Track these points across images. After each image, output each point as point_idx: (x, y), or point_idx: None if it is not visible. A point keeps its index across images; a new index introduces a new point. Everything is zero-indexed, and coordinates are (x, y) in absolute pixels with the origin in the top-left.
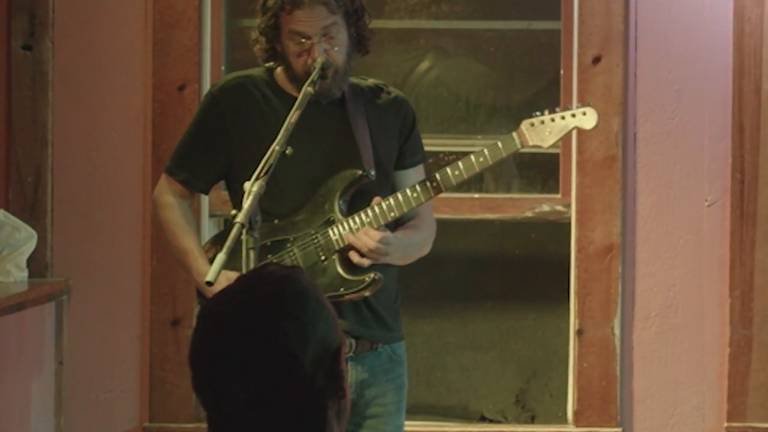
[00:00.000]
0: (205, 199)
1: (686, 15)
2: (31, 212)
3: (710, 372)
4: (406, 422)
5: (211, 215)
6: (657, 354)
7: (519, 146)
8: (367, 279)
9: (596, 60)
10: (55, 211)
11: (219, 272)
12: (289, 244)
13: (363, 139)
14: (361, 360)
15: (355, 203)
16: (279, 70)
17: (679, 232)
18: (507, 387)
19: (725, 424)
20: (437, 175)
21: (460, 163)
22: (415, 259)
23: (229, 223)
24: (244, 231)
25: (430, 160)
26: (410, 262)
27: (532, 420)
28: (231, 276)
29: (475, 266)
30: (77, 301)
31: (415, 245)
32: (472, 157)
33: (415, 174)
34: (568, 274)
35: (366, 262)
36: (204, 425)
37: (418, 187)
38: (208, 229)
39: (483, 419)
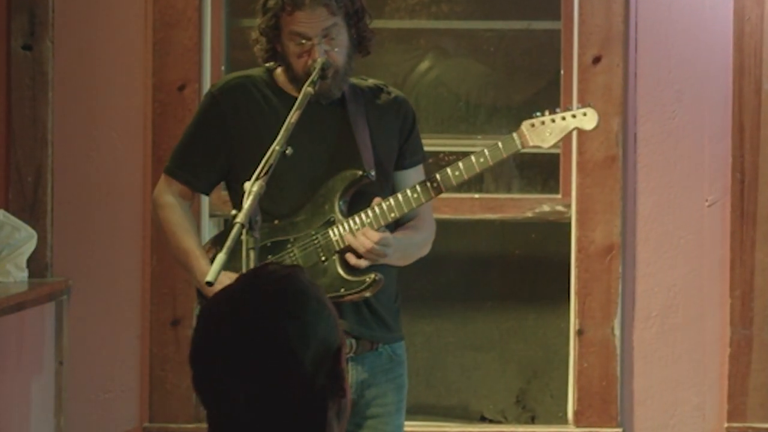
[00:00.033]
0: (205, 199)
1: (686, 15)
2: (31, 212)
3: (710, 372)
4: (406, 422)
5: (211, 215)
6: (657, 354)
7: (519, 147)
8: (367, 280)
9: (596, 60)
10: (55, 211)
11: (219, 272)
12: (289, 245)
13: (363, 139)
14: (361, 360)
15: (356, 204)
16: (279, 70)
17: (679, 232)
18: (507, 387)
19: (725, 425)
20: (437, 176)
21: (460, 164)
22: (415, 260)
23: (229, 223)
24: (244, 231)
25: (430, 161)
26: (410, 263)
27: (532, 420)
28: (232, 277)
29: (476, 266)
30: (77, 301)
31: (414, 246)
32: (473, 158)
33: (415, 174)
34: (569, 274)
35: (363, 263)
36: (204, 425)
37: (418, 188)
38: (208, 229)
39: (483, 419)
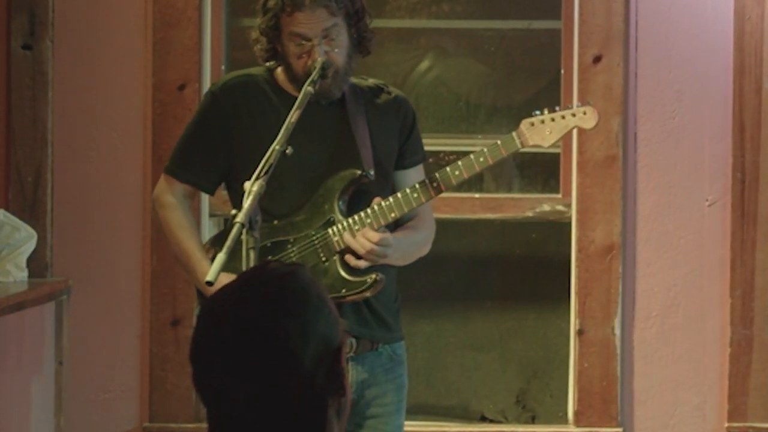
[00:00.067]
0: (205, 199)
1: (687, 14)
2: (30, 212)
3: (711, 372)
4: (407, 422)
5: (211, 215)
6: (658, 354)
7: (519, 146)
8: (368, 280)
9: (597, 59)
10: (55, 211)
11: (219, 272)
12: (289, 245)
13: (363, 139)
14: (361, 360)
15: (356, 203)
16: (279, 69)
17: (679, 232)
18: (507, 387)
19: (726, 425)
20: (437, 175)
21: (460, 163)
22: (415, 260)
23: (229, 223)
24: (244, 231)
25: (430, 160)
26: (410, 263)
27: (532, 420)
28: (232, 277)
29: (476, 266)
30: (77, 301)
31: (414, 245)
32: (472, 157)
33: (415, 174)
34: (569, 274)
35: (363, 264)
36: (204, 425)
37: (418, 187)
38: (208, 229)
39: (483, 419)
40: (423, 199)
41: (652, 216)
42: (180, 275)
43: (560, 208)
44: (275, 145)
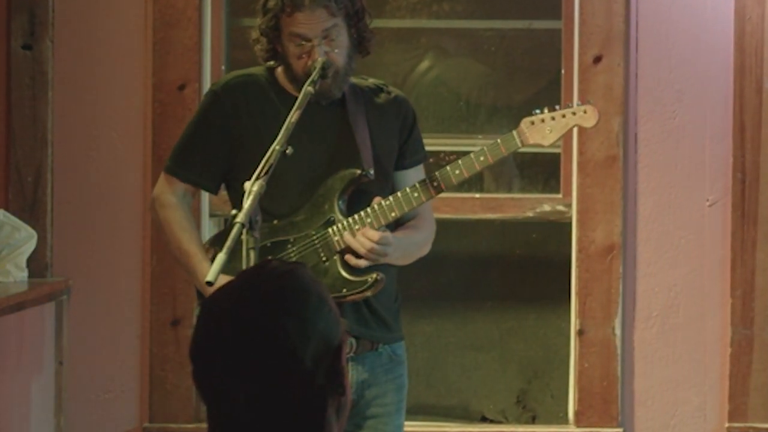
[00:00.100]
0: (205, 199)
1: (687, 15)
2: (30, 212)
3: (711, 372)
4: (407, 422)
5: (211, 215)
6: (658, 354)
7: (519, 144)
8: (369, 279)
9: (597, 60)
10: (55, 211)
11: (219, 272)
12: (289, 245)
13: (363, 139)
14: (361, 360)
15: (356, 203)
16: (280, 69)
17: (680, 232)
18: (508, 387)
19: (726, 425)
20: (438, 174)
21: (460, 162)
22: (415, 259)
23: (229, 223)
24: (244, 231)
25: (431, 160)
26: (410, 262)
27: (533, 420)
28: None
29: (476, 266)
30: (77, 301)
31: (415, 245)
32: (473, 156)
33: (415, 174)
34: (569, 274)
35: (363, 263)
36: (204, 425)
37: (418, 186)
38: (208, 229)
39: (484, 419)
40: (423, 199)
41: (653, 216)
42: (180, 275)
43: (561, 208)
44: (275, 145)
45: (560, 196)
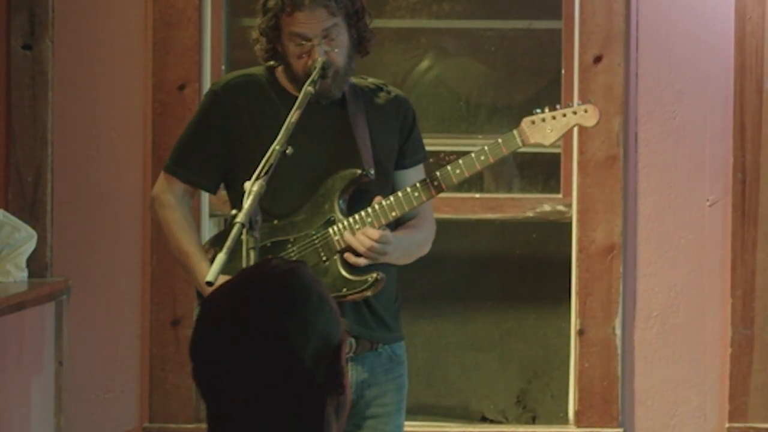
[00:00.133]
0: (205, 199)
1: (687, 14)
2: (30, 212)
3: (712, 372)
4: (407, 422)
5: (211, 215)
6: (658, 354)
7: (520, 144)
8: (369, 279)
9: (597, 59)
10: (55, 211)
11: (219, 272)
12: (289, 245)
13: (363, 139)
14: (361, 360)
15: (356, 203)
16: (280, 69)
17: (680, 232)
18: (508, 387)
19: (727, 425)
20: (438, 174)
21: (461, 162)
22: (415, 259)
23: (229, 223)
24: (244, 231)
25: (431, 160)
26: (410, 262)
27: (533, 420)
28: None
29: (476, 266)
30: (77, 301)
31: (415, 244)
32: (473, 156)
33: (415, 174)
34: (569, 274)
35: (362, 262)
36: (204, 426)
37: (419, 186)
38: (208, 229)
39: (484, 420)
40: (424, 198)
41: (653, 216)
42: (180, 275)
43: (561, 208)
44: (275, 145)
45: (560, 196)
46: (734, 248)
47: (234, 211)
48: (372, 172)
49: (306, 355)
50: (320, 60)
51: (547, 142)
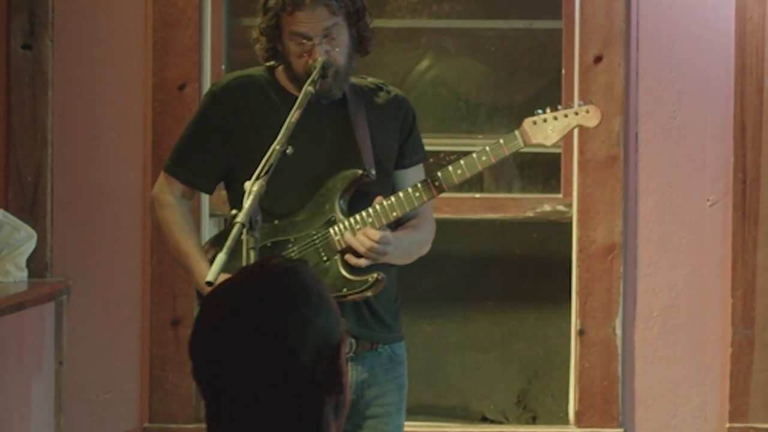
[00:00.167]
0: (205, 199)
1: (688, 14)
2: (30, 212)
3: (712, 372)
4: (407, 422)
5: (211, 215)
6: (659, 354)
7: (521, 144)
8: (370, 279)
9: (598, 59)
10: (54, 211)
11: (219, 272)
12: (290, 245)
13: (363, 138)
14: (361, 360)
15: (357, 203)
16: (280, 69)
17: (680, 232)
18: (508, 387)
19: (727, 425)
20: (439, 174)
21: (462, 162)
22: (415, 259)
23: (229, 223)
24: (244, 231)
25: (431, 160)
26: (410, 262)
27: (533, 420)
28: None
29: (476, 266)
30: (77, 301)
31: (415, 244)
32: (475, 156)
33: (415, 173)
34: (570, 274)
35: (363, 262)
36: (204, 426)
37: (420, 186)
38: (208, 229)
39: (484, 420)
40: (425, 198)
41: (653, 216)
42: (180, 275)
43: (561, 208)
44: (276, 145)
45: (561, 196)
46: (735, 248)
47: (234, 211)
48: (373, 172)
49: (305, 354)
50: (321, 59)
51: (548, 143)
